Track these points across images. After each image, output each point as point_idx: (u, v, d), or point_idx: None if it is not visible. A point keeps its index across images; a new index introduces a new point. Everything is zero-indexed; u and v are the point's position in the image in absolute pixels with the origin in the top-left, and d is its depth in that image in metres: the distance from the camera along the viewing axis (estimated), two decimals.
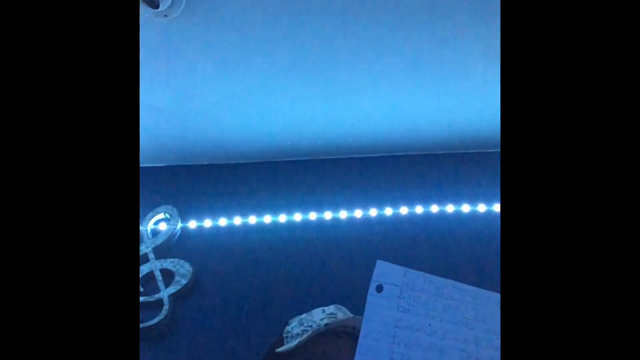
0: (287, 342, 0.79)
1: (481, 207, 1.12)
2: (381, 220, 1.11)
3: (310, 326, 0.79)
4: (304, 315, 0.83)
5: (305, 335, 0.76)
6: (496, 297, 0.76)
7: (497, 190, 1.11)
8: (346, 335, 0.78)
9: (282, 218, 1.11)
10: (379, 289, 0.73)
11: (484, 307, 0.75)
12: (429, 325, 0.72)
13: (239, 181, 1.20)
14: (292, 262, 1.03)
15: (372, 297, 0.72)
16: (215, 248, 1.07)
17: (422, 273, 0.76)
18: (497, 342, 0.72)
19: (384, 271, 0.75)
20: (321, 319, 0.79)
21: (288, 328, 0.81)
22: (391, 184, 1.18)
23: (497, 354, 0.72)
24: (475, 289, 0.77)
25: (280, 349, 0.77)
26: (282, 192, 1.17)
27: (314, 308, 0.82)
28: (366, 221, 1.12)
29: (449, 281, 0.76)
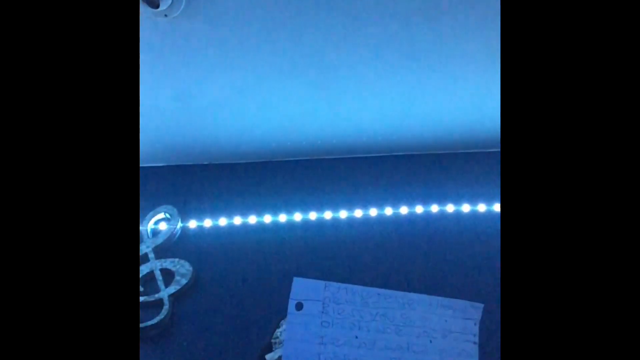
0: (275, 349, 0.78)
1: (481, 207, 1.12)
2: (381, 220, 1.11)
3: None
4: None
5: None
6: (425, 299, 0.76)
7: (497, 190, 1.11)
8: None
9: (282, 218, 1.11)
10: (299, 306, 0.72)
11: (413, 311, 0.75)
12: (356, 337, 0.71)
13: (239, 181, 1.20)
14: (292, 261, 1.03)
15: (292, 317, 0.71)
16: (215, 248, 1.07)
17: (344, 285, 0.75)
18: (430, 346, 0.72)
19: (303, 287, 0.74)
20: None
21: (277, 332, 0.81)
22: (391, 184, 1.18)
23: (431, 357, 0.72)
24: (402, 293, 0.77)
25: (268, 357, 0.76)
26: (282, 192, 1.17)
27: None
28: (366, 221, 1.12)
29: (374, 289, 0.76)
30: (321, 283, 0.75)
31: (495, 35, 1.01)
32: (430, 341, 0.73)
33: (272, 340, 0.79)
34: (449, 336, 0.74)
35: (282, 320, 0.83)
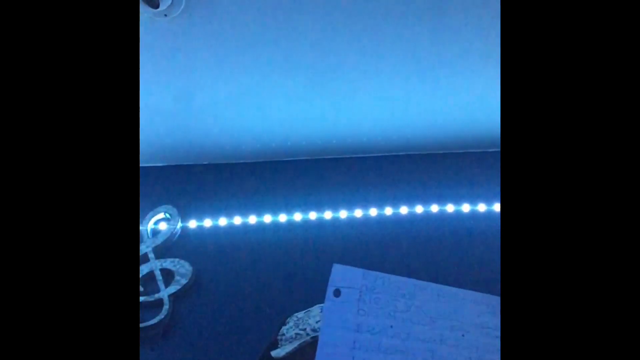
0: (281, 345, 0.78)
1: (481, 207, 1.12)
2: (381, 220, 1.11)
3: (304, 329, 0.78)
4: (301, 315, 0.82)
5: (296, 344, 0.75)
6: (460, 293, 0.75)
7: (497, 190, 1.11)
8: None
9: (282, 218, 1.11)
10: (337, 293, 0.72)
11: (448, 304, 0.74)
12: (391, 327, 0.70)
13: (239, 181, 1.21)
14: (292, 261, 1.03)
15: (330, 303, 0.71)
16: (215, 248, 1.07)
17: (381, 274, 0.74)
18: (463, 340, 0.71)
19: (342, 274, 0.73)
20: (317, 321, 0.79)
21: (284, 329, 0.81)
22: (391, 184, 1.18)
23: (463, 351, 0.71)
24: (438, 286, 0.76)
25: (273, 353, 0.76)
26: (282, 192, 1.17)
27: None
28: (366, 221, 1.12)
29: (411, 280, 0.75)
30: (359, 271, 0.74)
31: (495, 35, 1.01)
32: (463, 335, 0.73)
33: (278, 337, 0.79)
34: (482, 331, 0.73)
35: (288, 318, 0.83)
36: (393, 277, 0.75)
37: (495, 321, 0.74)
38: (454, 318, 0.74)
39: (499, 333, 0.73)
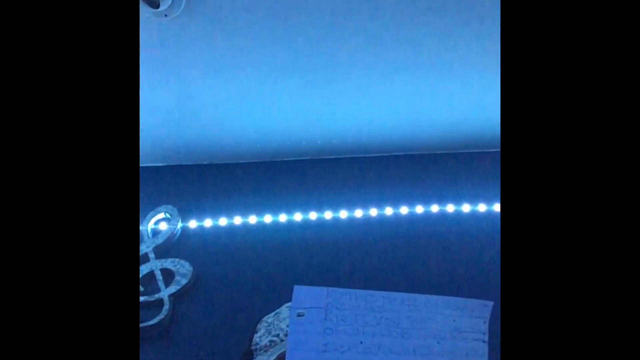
0: (257, 356, 0.77)
1: (481, 207, 1.12)
2: (381, 220, 1.11)
3: (277, 335, 0.77)
4: (271, 319, 0.81)
5: (275, 355, 0.74)
6: (432, 299, 0.74)
7: (497, 190, 1.11)
8: None
9: (282, 218, 1.11)
10: (301, 315, 0.71)
11: (419, 313, 0.73)
12: (361, 343, 0.69)
13: (239, 181, 1.21)
14: (292, 261, 1.03)
15: (294, 326, 0.70)
16: (216, 248, 1.07)
17: (347, 290, 0.74)
18: (437, 347, 0.70)
19: (304, 295, 0.73)
20: (287, 325, 0.77)
21: (256, 338, 0.80)
22: (391, 184, 1.18)
23: (439, 358, 0.70)
24: (408, 295, 0.75)
25: None
26: (282, 192, 1.17)
27: None
28: (366, 221, 1.12)
29: (379, 293, 0.74)
30: (323, 290, 0.73)
31: (496, 35, 1.01)
32: (438, 342, 0.72)
33: (252, 348, 0.78)
34: (458, 336, 0.73)
35: (258, 325, 0.82)
36: (360, 292, 0.74)
37: (471, 324, 0.73)
38: (428, 326, 0.73)
39: (476, 336, 0.73)
